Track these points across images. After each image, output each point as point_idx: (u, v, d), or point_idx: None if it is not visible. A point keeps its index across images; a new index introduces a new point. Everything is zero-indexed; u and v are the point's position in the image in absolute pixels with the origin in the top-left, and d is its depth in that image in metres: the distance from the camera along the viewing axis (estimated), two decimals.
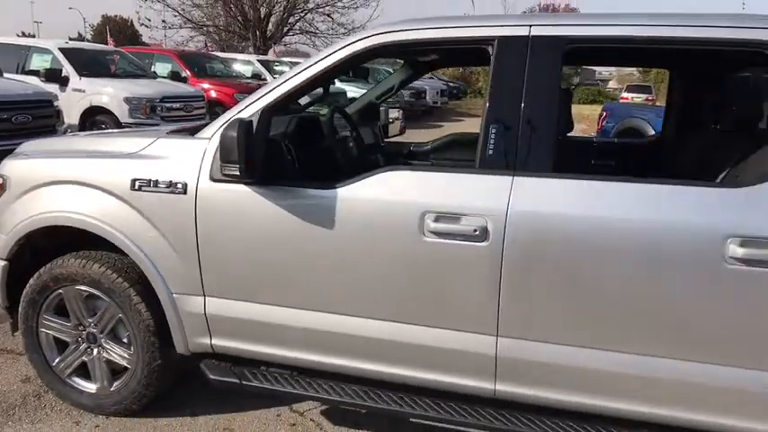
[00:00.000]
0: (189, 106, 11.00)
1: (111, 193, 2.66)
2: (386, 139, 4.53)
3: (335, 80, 15.01)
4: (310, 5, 28.99)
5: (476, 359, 2.35)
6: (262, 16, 28.25)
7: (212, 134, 2.57)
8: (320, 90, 3.56)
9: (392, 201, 2.33)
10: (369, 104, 4.21)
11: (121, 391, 2.91)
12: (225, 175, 2.38)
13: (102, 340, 2.89)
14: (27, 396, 3.14)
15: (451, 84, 30.07)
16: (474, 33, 2.40)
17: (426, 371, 2.44)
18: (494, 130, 2.28)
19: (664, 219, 2.09)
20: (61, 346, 2.99)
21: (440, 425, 2.50)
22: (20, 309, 2.95)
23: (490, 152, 2.27)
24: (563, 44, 2.28)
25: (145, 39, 39.20)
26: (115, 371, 2.94)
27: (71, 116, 9.66)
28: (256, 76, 16.85)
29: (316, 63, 2.52)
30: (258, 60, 18.49)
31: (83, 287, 2.81)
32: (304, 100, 3.71)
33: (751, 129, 2.66)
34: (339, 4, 28.90)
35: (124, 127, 9.40)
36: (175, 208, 2.57)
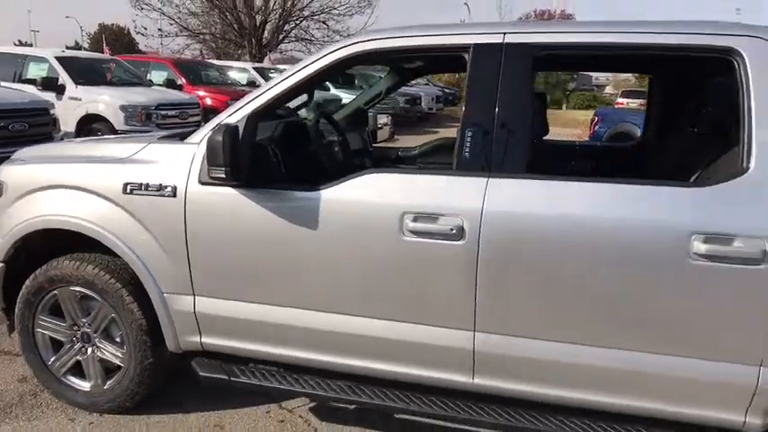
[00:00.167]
0: (184, 113, 11.11)
1: (103, 196, 2.76)
2: (375, 144, 4.62)
3: (330, 87, 15.23)
4: (305, 13, 29.25)
5: (454, 353, 2.44)
6: (257, 24, 28.45)
7: (201, 139, 2.66)
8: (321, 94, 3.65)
9: (373, 202, 2.43)
10: (357, 110, 4.31)
11: (115, 389, 2.99)
12: (212, 177, 2.47)
13: (96, 339, 2.98)
14: (24, 395, 3.22)
15: (447, 90, 30.19)
16: (451, 41, 2.51)
17: (408, 366, 2.53)
18: (469, 134, 2.38)
19: (633, 217, 2.18)
20: (56, 345, 3.08)
21: (422, 419, 2.59)
22: (16, 310, 3.03)
23: (466, 155, 2.37)
24: (535, 51, 2.38)
25: (141, 47, 39.39)
26: (109, 369, 3.03)
27: (68, 124, 9.76)
28: (251, 83, 16.97)
29: (300, 70, 2.62)
30: (254, 68, 18.63)
31: (77, 288, 2.90)
32: (297, 104, 3.79)
33: (725, 131, 2.76)
34: (334, 11, 29.17)
35: (119, 134, 9.50)
36: (166, 210, 2.66)
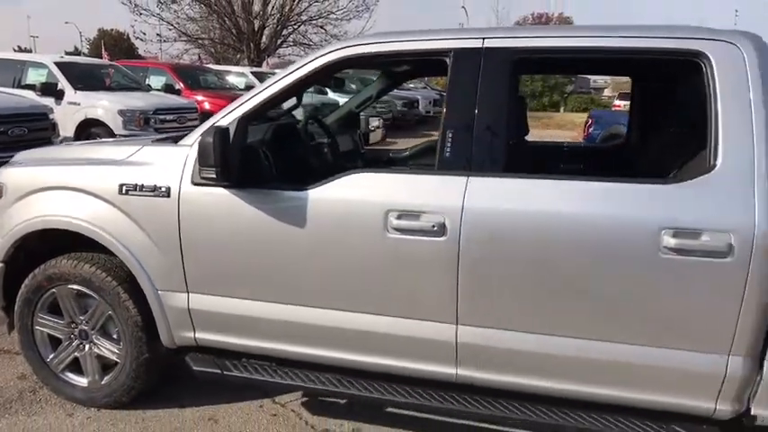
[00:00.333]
0: (182, 118, 11.20)
1: (100, 197, 2.85)
2: (367, 147, 4.72)
3: (329, 91, 15.34)
4: (303, 18, 29.35)
5: (438, 346, 2.54)
6: (255, 29, 28.57)
7: (194, 141, 2.76)
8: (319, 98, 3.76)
9: (358, 200, 2.52)
10: (349, 113, 4.41)
11: (111, 385, 3.09)
12: (203, 178, 2.57)
13: (94, 336, 3.08)
14: (23, 391, 3.32)
15: (444, 93, 30.25)
16: (433, 46, 2.62)
17: (395, 359, 2.63)
18: (450, 135, 2.48)
19: (606, 213, 2.28)
20: (55, 342, 3.18)
21: (409, 412, 2.67)
22: (16, 308, 3.13)
23: (447, 154, 2.48)
24: (513, 55, 2.49)
25: (141, 52, 39.56)
26: (106, 365, 3.12)
27: (67, 129, 9.86)
28: (250, 87, 17.05)
29: (288, 74, 2.72)
30: (252, 72, 18.73)
31: (75, 286, 3.00)
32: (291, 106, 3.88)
33: (698, 131, 2.86)
34: (332, 16, 29.26)
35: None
36: (160, 210, 2.76)
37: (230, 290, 2.78)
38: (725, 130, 2.22)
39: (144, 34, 29.27)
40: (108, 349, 3.06)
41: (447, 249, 2.41)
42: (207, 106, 13.13)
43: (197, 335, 2.89)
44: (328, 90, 15.40)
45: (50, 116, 8.31)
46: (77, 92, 10.38)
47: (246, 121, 2.70)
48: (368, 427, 3.05)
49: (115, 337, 3.04)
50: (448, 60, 2.55)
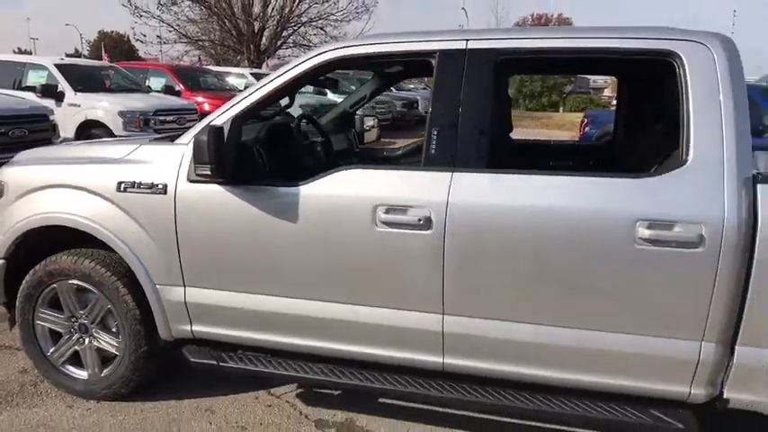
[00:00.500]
0: (182, 119, 11.29)
1: (99, 194, 2.95)
2: (362, 146, 4.82)
3: (328, 93, 15.43)
4: (303, 19, 29.43)
5: (426, 336, 2.63)
6: (255, 30, 28.65)
7: (189, 140, 2.85)
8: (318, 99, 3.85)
9: (347, 195, 2.62)
10: (344, 113, 4.51)
11: (111, 377, 3.18)
12: (198, 175, 2.67)
13: (93, 330, 3.17)
14: (24, 385, 3.41)
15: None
16: (419, 47, 2.71)
17: (384, 348, 2.72)
18: (436, 132, 2.58)
19: (584, 206, 2.38)
20: (55, 337, 3.27)
21: (403, 403, 2.75)
22: (17, 303, 3.22)
23: (433, 151, 2.57)
24: (496, 55, 2.58)
25: (141, 54, 39.69)
26: (105, 358, 3.22)
27: (67, 130, 9.95)
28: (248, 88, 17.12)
29: (281, 75, 2.82)
30: (251, 73, 18.82)
31: (75, 281, 3.09)
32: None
33: (674, 127, 2.95)
34: (332, 17, 29.33)
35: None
36: (157, 207, 2.86)
37: (225, 283, 2.87)
38: (696, 126, 2.32)
39: (144, 36, 29.35)
40: (107, 342, 3.15)
41: (433, 242, 2.51)
42: (207, 107, 13.19)
43: (194, 327, 2.98)
44: (327, 91, 15.50)
45: (51, 117, 8.41)
46: (77, 93, 10.47)
47: (240, 120, 2.80)
48: (361, 417, 3.15)
49: (114, 330, 3.13)
50: (433, 61, 2.65)
